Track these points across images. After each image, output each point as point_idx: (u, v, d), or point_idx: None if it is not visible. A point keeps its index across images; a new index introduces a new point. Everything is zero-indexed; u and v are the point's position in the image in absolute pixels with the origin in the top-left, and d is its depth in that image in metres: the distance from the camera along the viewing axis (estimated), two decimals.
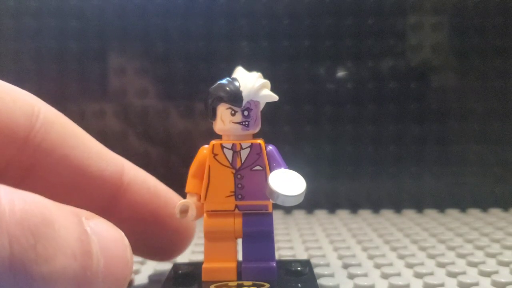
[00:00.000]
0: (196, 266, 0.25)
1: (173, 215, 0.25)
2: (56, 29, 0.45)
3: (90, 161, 0.23)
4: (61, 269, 0.16)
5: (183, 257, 0.31)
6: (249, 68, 0.25)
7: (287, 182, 0.23)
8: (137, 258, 0.32)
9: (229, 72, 0.25)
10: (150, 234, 0.26)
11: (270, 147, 0.25)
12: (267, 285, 0.23)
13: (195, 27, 0.45)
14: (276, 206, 0.25)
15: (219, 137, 0.25)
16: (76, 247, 0.17)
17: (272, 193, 0.23)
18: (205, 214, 0.25)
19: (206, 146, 0.25)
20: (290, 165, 0.25)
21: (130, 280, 0.24)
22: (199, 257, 0.32)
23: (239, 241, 0.25)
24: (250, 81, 0.24)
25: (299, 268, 0.25)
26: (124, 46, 0.46)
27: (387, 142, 0.46)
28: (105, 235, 0.19)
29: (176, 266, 0.27)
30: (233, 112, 0.23)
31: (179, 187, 0.47)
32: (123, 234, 0.20)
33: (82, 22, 0.45)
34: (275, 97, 0.25)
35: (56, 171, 0.22)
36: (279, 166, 0.24)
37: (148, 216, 0.25)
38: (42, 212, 0.16)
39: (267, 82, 0.24)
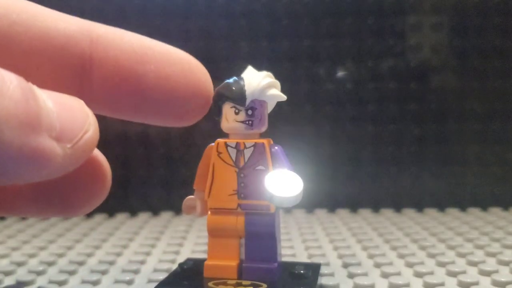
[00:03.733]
0: (200, 262, 0.26)
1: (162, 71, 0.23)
2: None
3: (46, 22, 0.21)
4: None
5: (198, 254, 0.32)
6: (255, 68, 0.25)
7: (283, 183, 0.23)
8: (138, 257, 0.32)
9: (229, 72, 0.25)
10: (144, 96, 0.23)
11: (276, 148, 0.25)
12: (265, 285, 0.23)
13: (195, 27, 0.45)
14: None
15: (226, 135, 0.25)
16: (11, 78, 0.16)
17: (268, 194, 0.23)
18: (209, 211, 0.25)
19: (212, 144, 0.25)
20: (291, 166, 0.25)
21: None
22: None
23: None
24: (255, 80, 0.24)
25: (302, 271, 0.25)
26: None
27: (387, 142, 0.46)
28: (49, 91, 0.18)
29: (183, 262, 0.27)
30: (237, 110, 0.24)
31: (180, 187, 0.47)
32: (74, 96, 0.19)
33: None
34: (282, 97, 0.25)
35: (10, 40, 0.20)
36: (282, 167, 0.24)
37: (133, 76, 0.23)
38: None
39: (275, 82, 0.24)
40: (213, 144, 0.25)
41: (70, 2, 0.45)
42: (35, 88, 0.17)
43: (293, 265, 0.26)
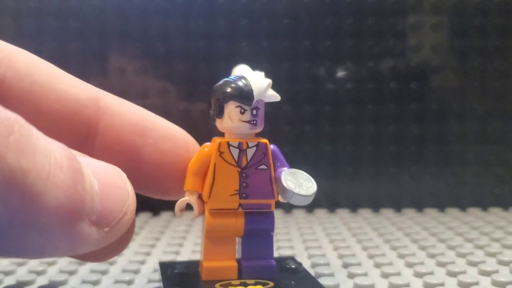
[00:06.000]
0: (186, 265, 0.25)
1: (163, 147, 0.24)
2: (56, 30, 0.45)
3: (62, 86, 0.22)
4: (43, 172, 0.15)
5: (196, 255, 0.32)
6: (250, 68, 0.25)
7: (299, 182, 0.24)
8: (138, 257, 0.32)
9: (229, 72, 0.25)
10: (138, 167, 0.24)
11: (273, 147, 0.25)
12: (271, 283, 0.23)
13: (195, 27, 0.45)
14: (276, 205, 0.25)
15: (220, 134, 0.25)
16: (63, 160, 0.16)
17: (286, 192, 0.23)
18: (207, 213, 0.24)
19: (207, 143, 0.24)
20: (290, 165, 0.25)
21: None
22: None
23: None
24: (259, 80, 0.24)
25: (293, 266, 0.25)
26: (124, 46, 0.46)
27: (387, 142, 0.46)
28: (97, 164, 0.18)
29: (165, 265, 0.26)
30: (242, 110, 0.23)
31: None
32: (118, 169, 0.19)
33: (82, 23, 0.45)
34: (278, 97, 0.25)
35: (29, 100, 0.21)
36: (282, 165, 0.25)
37: (131, 147, 0.23)
38: (17, 119, 0.15)
39: (271, 82, 0.25)
40: (208, 143, 0.24)
41: (70, 2, 0.45)
42: (83, 165, 0.17)
43: (280, 260, 0.26)
